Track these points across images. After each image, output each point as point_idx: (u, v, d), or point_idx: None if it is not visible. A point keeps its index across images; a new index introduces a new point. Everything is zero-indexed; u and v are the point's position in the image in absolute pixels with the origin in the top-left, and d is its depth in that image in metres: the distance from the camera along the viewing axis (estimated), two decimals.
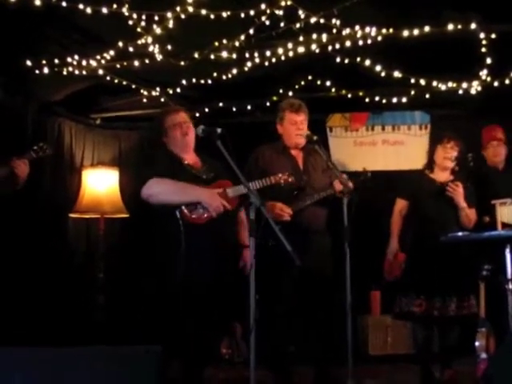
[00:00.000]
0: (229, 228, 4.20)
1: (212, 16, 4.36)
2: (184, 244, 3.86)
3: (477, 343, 4.13)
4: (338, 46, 4.86)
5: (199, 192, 4.03)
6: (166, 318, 3.98)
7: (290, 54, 4.96)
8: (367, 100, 6.10)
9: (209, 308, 3.98)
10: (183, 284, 3.83)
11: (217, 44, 4.88)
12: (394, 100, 6.00)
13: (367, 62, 5.17)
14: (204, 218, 4.02)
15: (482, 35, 4.73)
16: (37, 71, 5.09)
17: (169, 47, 4.86)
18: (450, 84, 5.57)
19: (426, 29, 4.65)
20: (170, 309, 3.95)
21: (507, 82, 5.43)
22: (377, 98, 6.07)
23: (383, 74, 5.30)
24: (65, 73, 5.16)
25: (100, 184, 6.21)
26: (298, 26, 4.54)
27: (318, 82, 5.78)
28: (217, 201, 4.01)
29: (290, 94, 5.83)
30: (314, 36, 4.77)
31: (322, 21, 4.47)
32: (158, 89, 5.78)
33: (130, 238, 6.46)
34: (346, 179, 4.45)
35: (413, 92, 5.80)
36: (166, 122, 4.26)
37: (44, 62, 5.04)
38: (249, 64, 5.17)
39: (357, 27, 4.66)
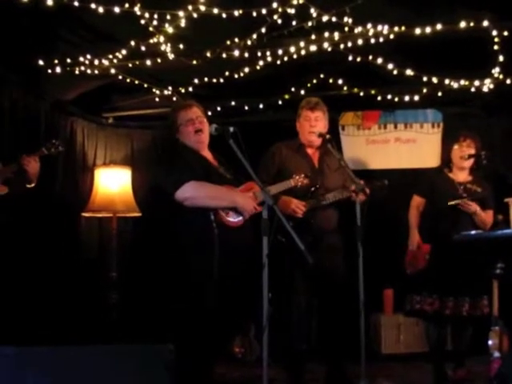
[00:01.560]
0: (253, 229, 4.21)
1: (224, 15, 4.36)
2: (218, 245, 3.87)
3: (490, 342, 4.10)
4: (350, 44, 4.85)
5: (235, 198, 4.04)
6: (192, 316, 3.98)
7: (302, 52, 4.95)
8: (379, 98, 6.07)
9: (236, 306, 4.03)
10: (219, 285, 3.84)
11: (229, 43, 4.89)
12: (407, 98, 5.98)
13: (379, 60, 5.16)
14: (238, 221, 4.04)
15: (494, 33, 4.71)
16: (49, 70, 5.11)
17: (181, 46, 4.87)
18: (462, 82, 5.56)
19: (439, 27, 4.63)
20: (198, 307, 3.93)
21: None
22: (389, 96, 6.05)
23: (395, 72, 5.29)
24: (77, 72, 5.18)
25: (112, 183, 6.23)
26: (309, 24, 4.54)
27: (330, 81, 5.77)
28: (250, 205, 4.04)
29: (302, 92, 5.83)
30: (326, 34, 4.77)
31: (334, 19, 4.47)
32: (170, 88, 5.79)
33: (142, 236, 6.48)
34: (363, 185, 4.45)
35: (425, 90, 5.77)
36: (179, 119, 4.21)
37: (56, 61, 5.06)
38: (261, 63, 5.18)
39: (369, 25, 4.65)
